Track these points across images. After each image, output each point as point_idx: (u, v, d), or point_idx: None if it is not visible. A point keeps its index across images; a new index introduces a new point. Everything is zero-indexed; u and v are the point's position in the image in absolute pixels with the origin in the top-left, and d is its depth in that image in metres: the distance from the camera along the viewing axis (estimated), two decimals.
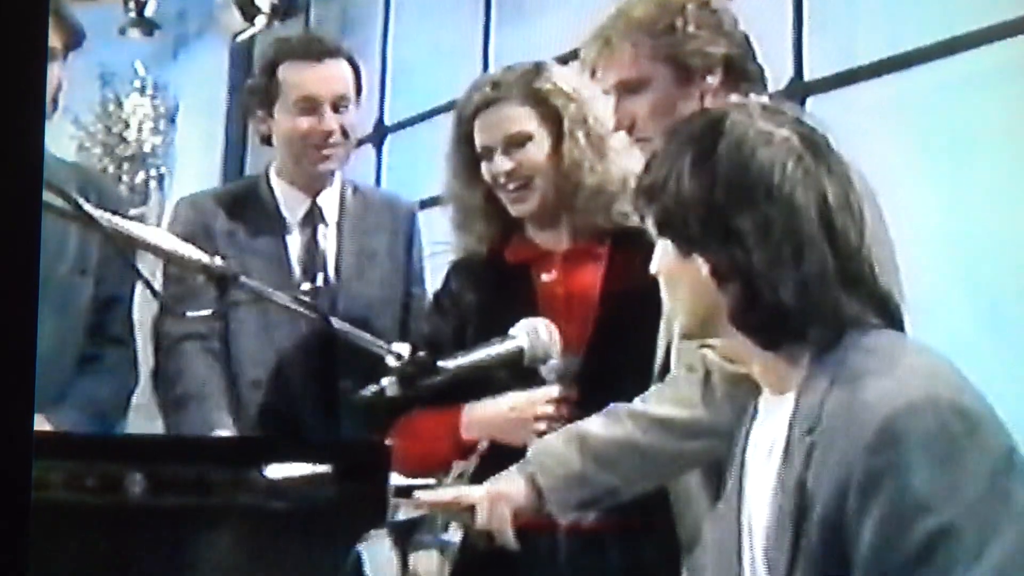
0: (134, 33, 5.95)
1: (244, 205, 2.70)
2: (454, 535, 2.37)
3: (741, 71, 2.19)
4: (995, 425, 1.44)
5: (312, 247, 2.69)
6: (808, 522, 1.45)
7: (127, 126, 6.26)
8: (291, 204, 2.70)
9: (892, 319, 1.57)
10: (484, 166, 2.36)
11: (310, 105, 2.63)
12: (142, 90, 6.34)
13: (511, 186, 2.34)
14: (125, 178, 6.18)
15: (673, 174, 1.58)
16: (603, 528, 2.20)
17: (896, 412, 1.39)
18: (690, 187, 1.56)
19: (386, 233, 2.74)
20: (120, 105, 6.31)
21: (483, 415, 2.26)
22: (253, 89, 2.74)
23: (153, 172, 6.29)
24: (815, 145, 1.57)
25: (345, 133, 2.66)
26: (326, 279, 2.66)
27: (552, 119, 2.36)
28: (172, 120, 6.37)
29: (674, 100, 2.16)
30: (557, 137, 2.36)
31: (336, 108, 2.64)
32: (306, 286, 2.62)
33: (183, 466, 1.58)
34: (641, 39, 2.16)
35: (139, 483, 1.55)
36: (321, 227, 2.70)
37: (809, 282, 1.51)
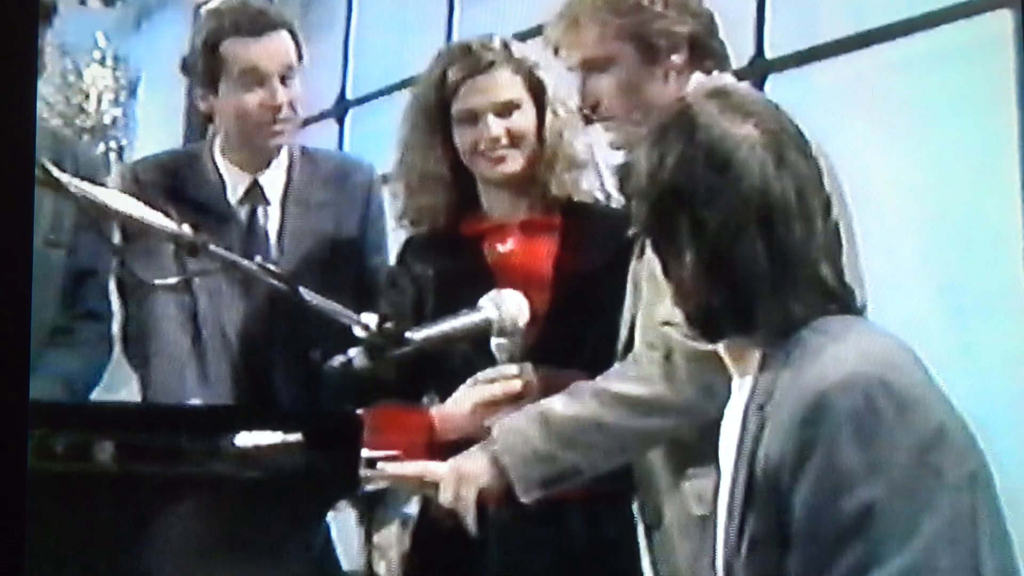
0: (95, 3, 5.90)
1: (188, 182, 2.65)
2: (414, 507, 2.39)
3: (706, 49, 2.20)
4: (927, 402, 1.46)
5: (252, 228, 2.64)
6: (755, 495, 1.50)
7: (87, 97, 6.20)
8: (234, 183, 2.66)
9: (849, 308, 1.60)
10: (466, 131, 2.37)
11: (258, 79, 2.58)
12: (102, 61, 6.28)
13: (498, 149, 2.36)
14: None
15: (636, 164, 1.61)
16: (563, 498, 2.22)
17: (827, 388, 1.44)
18: (644, 178, 1.59)
19: (336, 207, 2.68)
20: (80, 76, 6.25)
21: (452, 420, 2.27)
22: (192, 67, 2.67)
23: (113, 144, 6.24)
24: (777, 142, 1.57)
25: (293, 107, 2.62)
26: (265, 261, 2.62)
27: (535, 90, 2.39)
28: (133, 92, 6.31)
29: (640, 79, 2.17)
30: (539, 108, 2.39)
31: (284, 80, 2.59)
32: None
33: (153, 434, 1.59)
34: (608, 18, 2.16)
35: (108, 451, 1.56)
36: (261, 208, 2.65)
37: (739, 282, 1.54)
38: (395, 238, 2.65)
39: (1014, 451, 2.68)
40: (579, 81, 2.21)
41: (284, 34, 2.61)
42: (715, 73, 2.20)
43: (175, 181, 2.62)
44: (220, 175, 2.66)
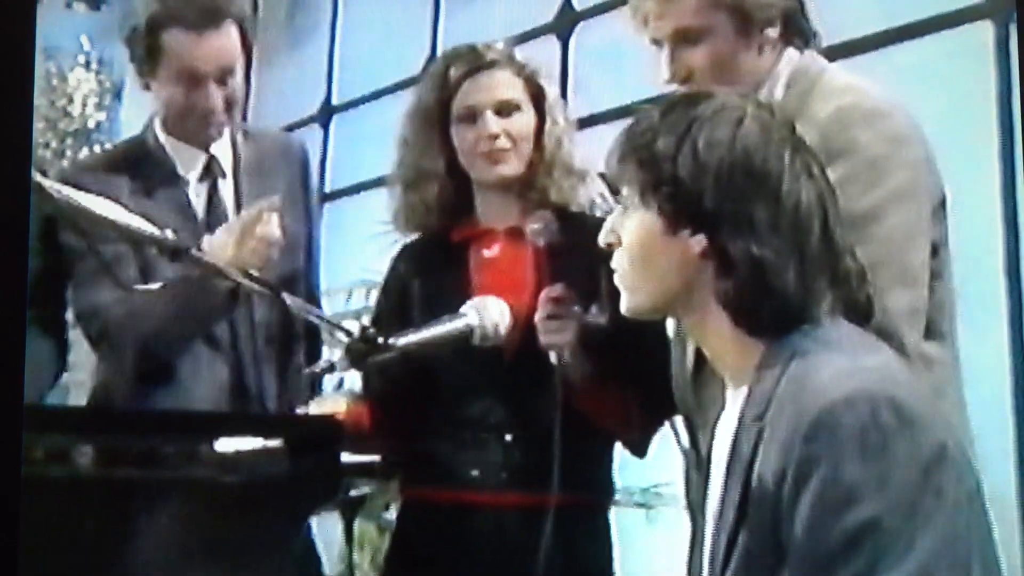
0: (80, 6, 5.89)
1: (137, 166, 2.61)
2: (393, 512, 2.40)
3: (797, 27, 2.17)
4: (930, 421, 1.46)
5: (214, 200, 2.62)
6: (750, 506, 1.49)
7: (71, 101, 6.19)
8: (185, 159, 2.62)
9: (860, 313, 1.60)
10: (466, 129, 2.37)
11: (195, 81, 2.52)
12: (87, 65, 6.27)
13: (496, 148, 2.37)
14: (68, 153, 6.11)
15: (686, 147, 1.56)
16: (539, 504, 2.23)
17: (832, 403, 1.42)
18: (707, 164, 1.55)
19: (282, 175, 2.68)
20: (64, 79, 6.23)
21: None
22: (131, 44, 2.60)
23: (97, 148, 6.23)
24: (804, 145, 1.60)
25: (230, 105, 2.57)
26: None
27: (535, 96, 2.41)
28: (117, 96, 6.30)
29: (733, 51, 2.11)
30: (538, 114, 2.41)
31: (222, 81, 2.54)
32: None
33: (133, 438, 1.58)
34: None
35: (88, 455, 1.55)
36: (220, 179, 2.64)
37: (808, 273, 1.53)
38: (385, 243, 2.64)
39: (996, 461, 2.70)
40: (667, 53, 2.14)
41: (229, 28, 2.54)
42: (806, 52, 2.16)
43: (126, 168, 2.59)
44: (166, 152, 2.63)
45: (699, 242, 1.56)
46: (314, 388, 2.53)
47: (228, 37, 2.54)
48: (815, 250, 1.54)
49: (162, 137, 2.63)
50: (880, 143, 1.99)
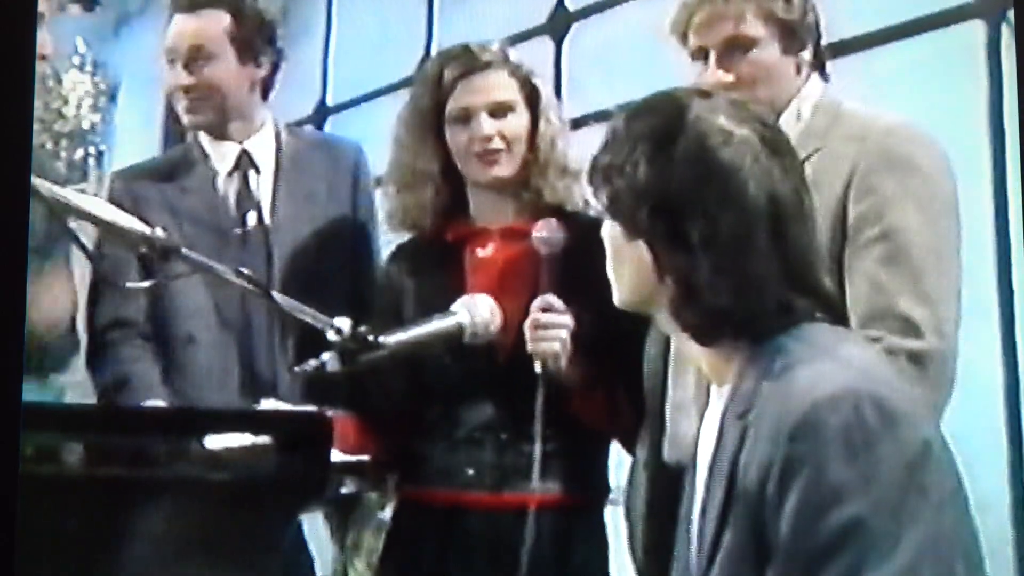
0: (74, 9, 5.89)
1: (176, 165, 2.69)
2: (388, 512, 2.40)
3: (822, 58, 2.23)
4: (914, 419, 1.47)
5: (244, 193, 2.66)
6: (734, 505, 1.49)
7: (66, 103, 6.19)
8: (219, 154, 2.68)
9: (837, 315, 1.61)
10: (459, 130, 2.39)
11: (169, 59, 2.63)
12: (81, 67, 6.28)
13: (490, 149, 2.37)
14: (63, 155, 6.11)
15: (631, 160, 1.58)
16: (534, 504, 2.23)
17: (817, 402, 1.43)
18: (645, 178, 1.57)
19: (326, 173, 2.71)
20: (59, 81, 6.24)
21: None
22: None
23: (92, 150, 6.23)
24: (775, 145, 1.59)
25: (209, 87, 2.62)
26: (259, 221, 2.63)
27: (530, 96, 2.43)
28: (112, 98, 6.30)
29: (776, 66, 2.18)
30: (533, 114, 2.42)
31: (189, 63, 2.61)
32: (237, 231, 2.60)
33: (122, 436, 1.58)
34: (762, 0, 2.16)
35: (76, 453, 1.55)
36: (252, 173, 2.67)
37: (749, 286, 1.53)
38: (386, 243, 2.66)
39: (987, 463, 2.70)
40: (713, 61, 2.17)
41: (214, 14, 2.62)
42: (824, 81, 2.23)
43: (164, 169, 2.68)
44: (206, 152, 2.69)
45: (647, 252, 1.59)
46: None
47: (208, 21, 2.61)
48: (764, 257, 1.53)
49: (201, 135, 2.70)
50: (929, 160, 2.09)
